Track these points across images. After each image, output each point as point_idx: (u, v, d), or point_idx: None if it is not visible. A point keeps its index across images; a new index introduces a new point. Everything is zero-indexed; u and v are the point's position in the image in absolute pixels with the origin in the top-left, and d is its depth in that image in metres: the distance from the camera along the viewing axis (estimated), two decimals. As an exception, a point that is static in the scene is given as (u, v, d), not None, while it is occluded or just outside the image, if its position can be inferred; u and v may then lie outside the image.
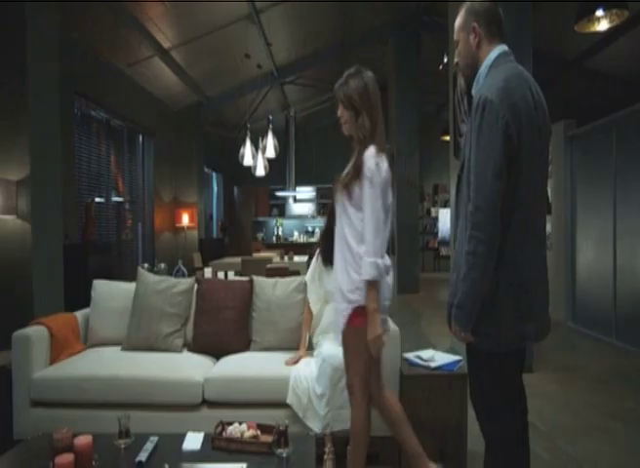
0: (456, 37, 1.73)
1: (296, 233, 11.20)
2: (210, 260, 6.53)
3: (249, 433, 1.89)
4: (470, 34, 1.67)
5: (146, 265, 3.25)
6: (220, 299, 2.89)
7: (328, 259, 2.46)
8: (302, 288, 2.92)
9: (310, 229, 11.43)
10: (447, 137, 8.47)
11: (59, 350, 2.75)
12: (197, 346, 2.87)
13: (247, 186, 11.23)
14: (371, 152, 1.92)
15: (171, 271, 3.51)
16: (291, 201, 11.31)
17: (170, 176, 7.84)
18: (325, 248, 2.46)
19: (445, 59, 4.35)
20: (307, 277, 2.73)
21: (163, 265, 3.26)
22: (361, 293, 1.89)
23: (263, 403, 2.50)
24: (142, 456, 1.75)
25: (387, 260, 1.96)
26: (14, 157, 3.84)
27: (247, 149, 6.11)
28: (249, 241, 10.96)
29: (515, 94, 1.51)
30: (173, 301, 2.88)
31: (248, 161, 6.16)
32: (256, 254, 6.49)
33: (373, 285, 1.86)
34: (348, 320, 1.92)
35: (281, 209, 11.52)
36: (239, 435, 1.88)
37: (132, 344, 2.84)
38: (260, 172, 6.37)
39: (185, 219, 7.71)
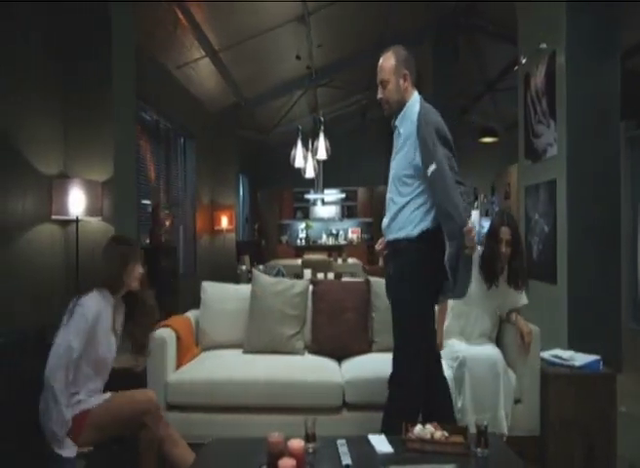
0: (386, 77, 2.16)
1: (324, 236, 11.17)
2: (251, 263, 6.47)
3: (438, 434, 1.86)
4: (400, 79, 2.15)
5: (244, 267, 3.21)
6: (338, 301, 2.87)
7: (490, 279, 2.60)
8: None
9: (335, 232, 11.40)
10: (487, 139, 8.52)
11: (183, 353, 2.70)
12: (317, 348, 2.84)
13: (271, 189, 11.19)
14: None
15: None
16: (318, 203, 11.29)
17: (209, 179, 7.80)
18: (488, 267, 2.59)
19: (523, 61, 4.35)
20: None
21: (262, 267, 3.22)
22: None
23: (403, 404, 2.47)
24: (347, 460, 1.72)
25: None
26: (98, 157, 3.79)
27: (298, 151, 6.10)
28: (275, 244, 10.92)
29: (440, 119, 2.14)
30: (292, 303, 2.85)
31: (299, 163, 6.14)
32: (307, 256, 6.46)
33: None
34: None
35: (305, 212, 11.48)
36: (429, 436, 1.85)
37: (254, 347, 2.80)
38: (310, 173, 6.34)
39: (224, 222, 7.65)
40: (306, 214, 11.47)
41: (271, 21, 6.03)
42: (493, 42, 7.76)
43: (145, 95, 5.45)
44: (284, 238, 11.32)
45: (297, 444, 1.63)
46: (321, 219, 11.44)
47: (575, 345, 3.84)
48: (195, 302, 3.39)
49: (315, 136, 9.03)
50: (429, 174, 2.00)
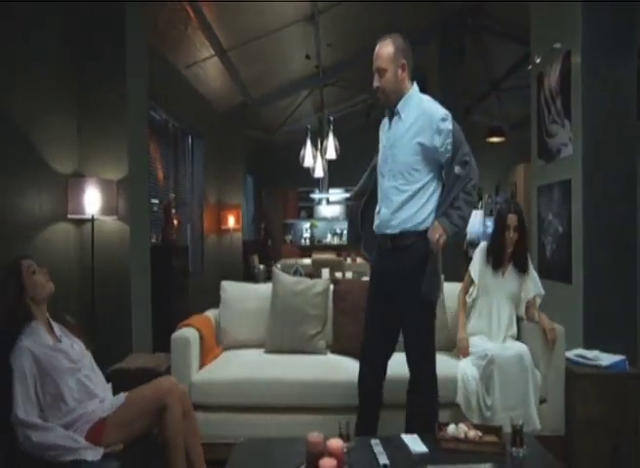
0: (383, 65, 2.06)
1: (329, 235, 11.17)
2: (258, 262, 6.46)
3: (472, 433, 1.85)
4: (399, 69, 2.06)
5: (262, 267, 3.20)
6: (359, 300, 2.84)
7: (498, 264, 2.65)
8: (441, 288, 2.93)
9: (339, 231, 11.39)
10: (494, 139, 8.53)
11: (205, 353, 2.69)
12: (339, 348, 2.83)
13: (276, 188, 11.19)
14: None
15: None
16: (323, 203, 11.28)
17: (216, 178, 7.78)
18: (496, 252, 2.63)
19: (537, 60, 4.35)
20: (473, 274, 2.72)
21: (279, 265, 3.21)
22: None
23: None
24: (383, 459, 1.71)
25: None
26: (112, 156, 3.77)
27: (307, 150, 6.09)
28: (279, 243, 10.91)
29: None
30: (313, 302, 2.84)
31: (309, 162, 6.14)
32: (316, 256, 6.44)
33: None
34: None
35: (309, 211, 11.47)
36: (463, 435, 1.84)
37: (276, 346, 2.79)
38: (319, 173, 6.34)
39: (231, 221, 7.64)
40: (311, 214, 11.45)
41: (280, 21, 6.02)
42: (499, 41, 7.75)
43: (155, 94, 5.43)
44: (288, 237, 11.31)
45: (336, 443, 1.62)
46: (325, 219, 11.44)
47: (590, 345, 3.84)
48: (213, 302, 3.38)
49: (322, 136, 9.06)
50: (463, 171, 2.03)
